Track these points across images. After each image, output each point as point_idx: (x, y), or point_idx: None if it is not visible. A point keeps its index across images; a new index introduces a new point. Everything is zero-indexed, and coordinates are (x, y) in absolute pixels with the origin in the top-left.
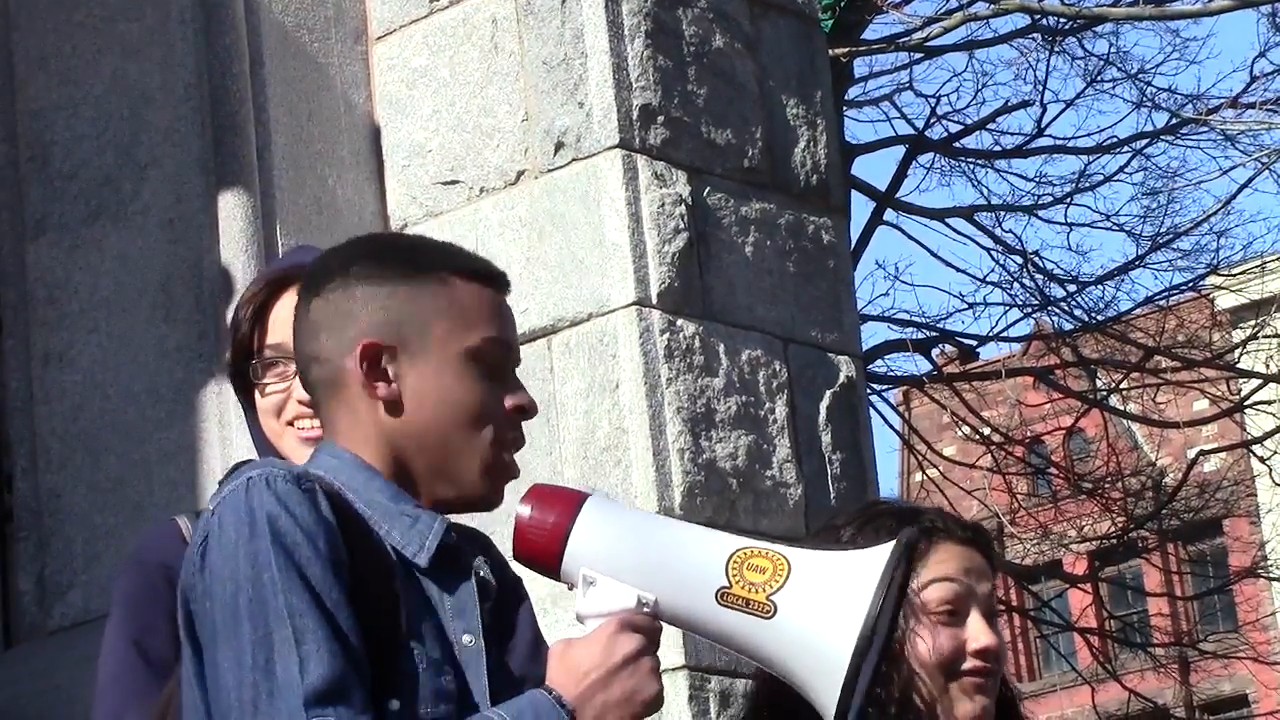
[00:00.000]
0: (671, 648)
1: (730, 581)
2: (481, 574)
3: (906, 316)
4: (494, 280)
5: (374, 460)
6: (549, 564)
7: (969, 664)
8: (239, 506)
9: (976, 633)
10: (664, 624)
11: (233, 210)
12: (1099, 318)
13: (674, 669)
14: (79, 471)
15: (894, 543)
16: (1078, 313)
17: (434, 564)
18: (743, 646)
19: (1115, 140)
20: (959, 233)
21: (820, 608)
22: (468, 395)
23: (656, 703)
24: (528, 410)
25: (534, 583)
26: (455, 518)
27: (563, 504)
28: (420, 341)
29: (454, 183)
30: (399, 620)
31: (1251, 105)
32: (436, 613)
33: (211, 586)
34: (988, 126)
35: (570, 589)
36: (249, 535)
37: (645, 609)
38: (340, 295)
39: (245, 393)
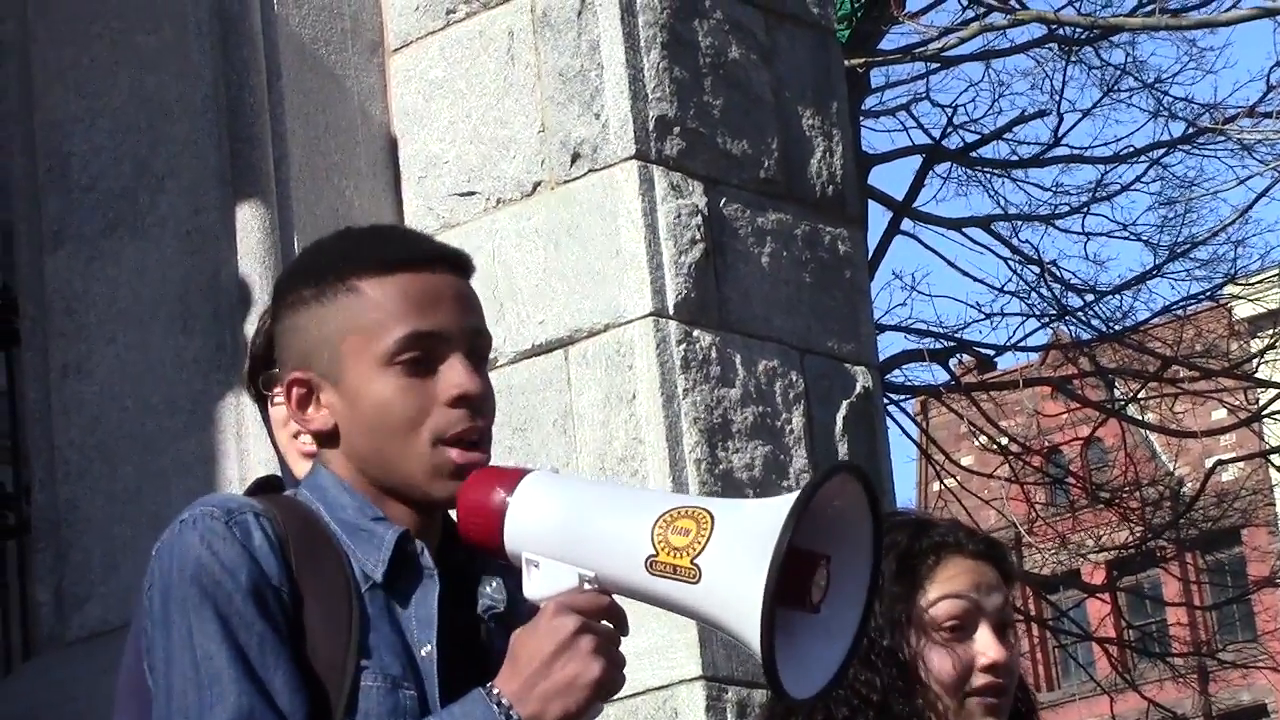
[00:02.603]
0: (689, 658)
1: (656, 549)
2: (490, 590)
3: (924, 326)
4: (410, 263)
5: (353, 480)
6: (491, 547)
7: (979, 680)
8: (172, 550)
9: (985, 647)
10: (616, 598)
11: (250, 221)
12: (1116, 327)
13: (692, 679)
14: (97, 482)
15: (806, 483)
16: (1095, 322)
17: (390, 577)
18: (680, 611)
19: (1132, 149)
20: (976, 242)
21: (737, 564)
22: (390, 403)
23: (607, 684)
24: (468, 396)
25: None
26: None
27: (502, 484)
28: (335, 363)
29: (470, 194)
30: (350, 640)
31: (1268, 114)
32: (399, 627)
33: (154, 632)
34: (1004, 136)
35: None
36: (176, 580)
37: (589, 586)
38: (277, 330)
39: (263, 404)
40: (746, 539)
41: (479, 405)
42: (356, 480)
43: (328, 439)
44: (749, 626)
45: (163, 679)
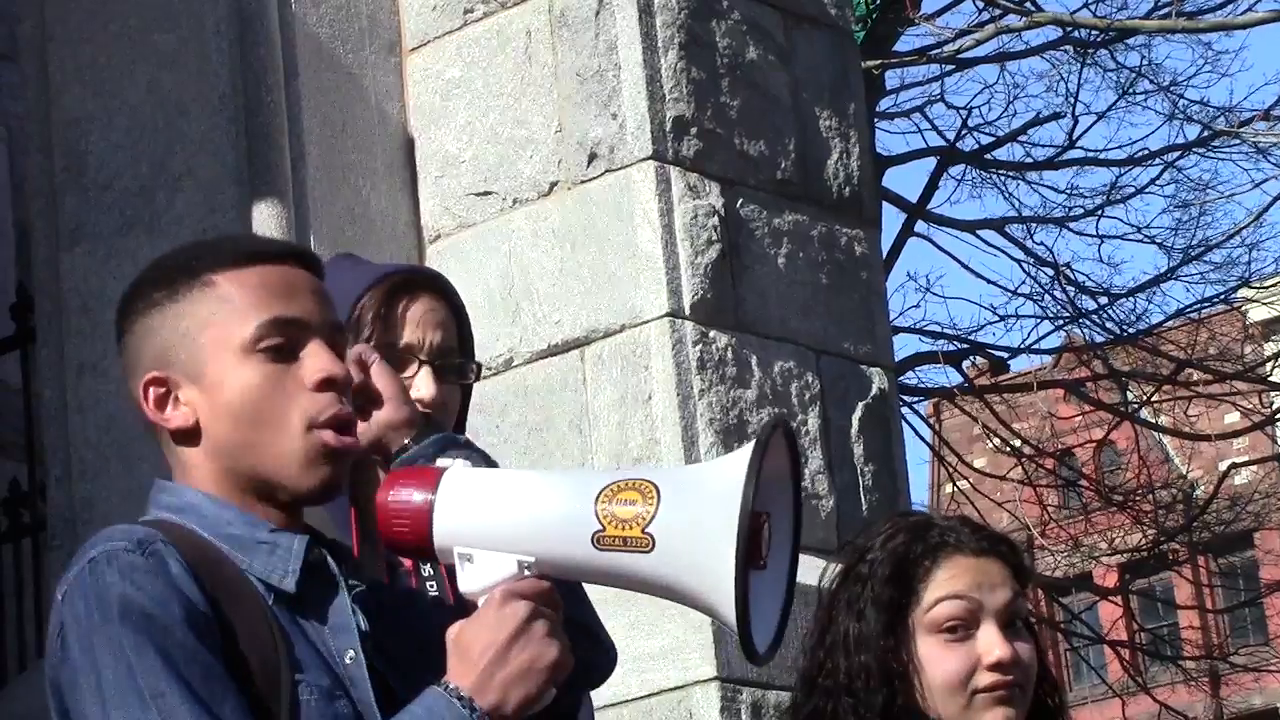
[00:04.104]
0: (703, 659)
1: (603, 524)
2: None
3: (937, 328)
4: (265, 256)
5: (219, 489)
6: (421, 548)
7: (985, 679)
8: (88, 591)
9: (989, 645)
10: (554, 581)
11: (266, 221)
12: (1130, 330)
13: (706, 680)
14: (112, 481)
15: (753, 444)
16: (1109, 325)
17: (302, 587)
18: (631, 584)
19: (1147, 152)
20: (990, 245)
21: (695, 529)
22: (255, 391)
23: (561, 665)
24: (335, 380)
25: None
26: None
27: (420, 484)
28: (194, 357)
29: (487, 193)
30: (280, 656)
31: None
32: (317, 637)
33: (76, 678)
34: (1019, 138)
35: (450, 569)
36: (101, 620)
37: (528, 572)
38: (126, 338)
39: None
40: (701, 503)
41: (346, 390)
42: (223, 485)
43: (186, 437)
44: (714, 590)
45: None
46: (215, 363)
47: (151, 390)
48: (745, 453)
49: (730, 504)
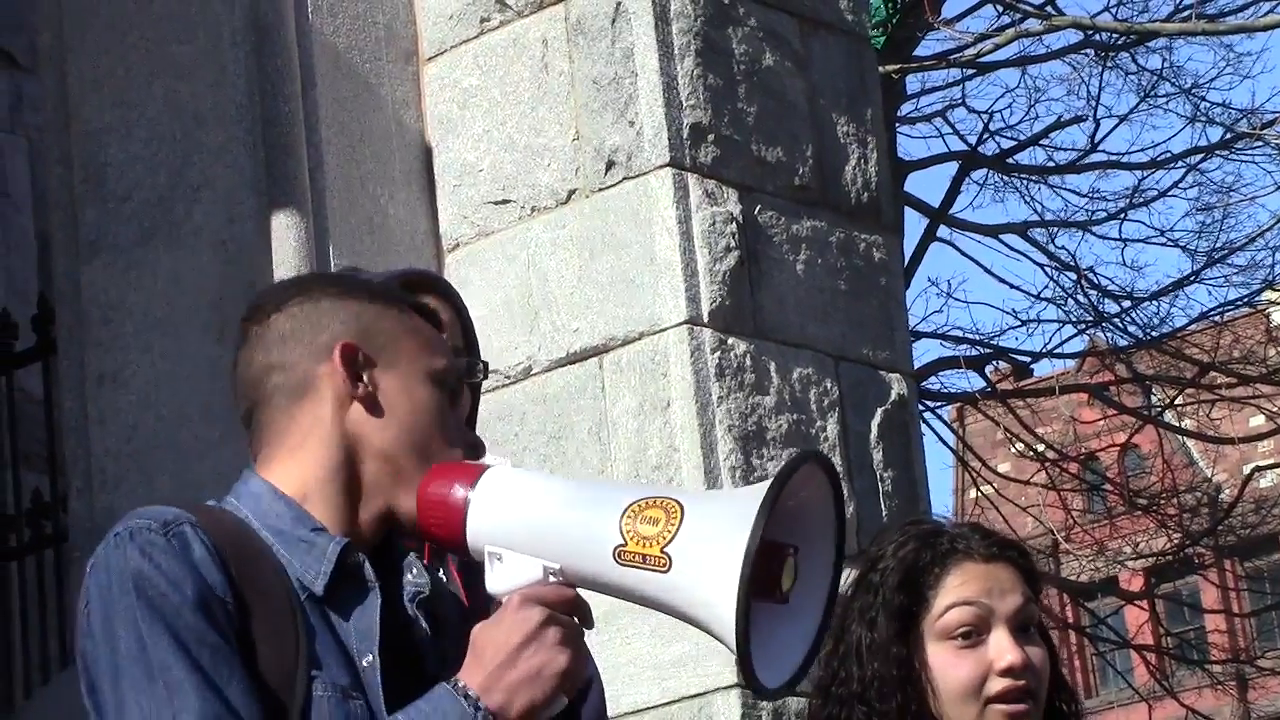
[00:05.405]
0: (724, 666)
1: (625, 539)
2: (413, 575)
3: (960, 333)
4: (438, 323)
5: (321, 471)
6: (454, 542)
7: (998, 685)
8: (110, 565)
9: (1000, 651)
10: (580, 589)
11: (285, 230)
12: (1153, 334)
13: (727, 687)
14: (133, 491)
15: (773, 478)
16: (1132, 329)
17: (332, 589)
18: (647, 602)
19: (1169, 155)
20: (1012, 249)
21: (709, 554)
22: (436, 411)
23: (573, 675)
24: (477, 449)
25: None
26: None
27: (462, 479)
28: (392, 352)
29: (505, 202)
30: (299, 650)
31: None
32: (342, 637)
33: (96, 650)
34: (1041, 142)
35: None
36: (118, 594)
37: (553, 578)
38: (309, 307)
39: None
40: (718, 529)
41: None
42: (331, 473)
43: (368, 407)
44: (720, 616)
45: (110, 695)
46: (410, 369)
47: (347, 354)
48: (761, 488)
49: (742, 531)
